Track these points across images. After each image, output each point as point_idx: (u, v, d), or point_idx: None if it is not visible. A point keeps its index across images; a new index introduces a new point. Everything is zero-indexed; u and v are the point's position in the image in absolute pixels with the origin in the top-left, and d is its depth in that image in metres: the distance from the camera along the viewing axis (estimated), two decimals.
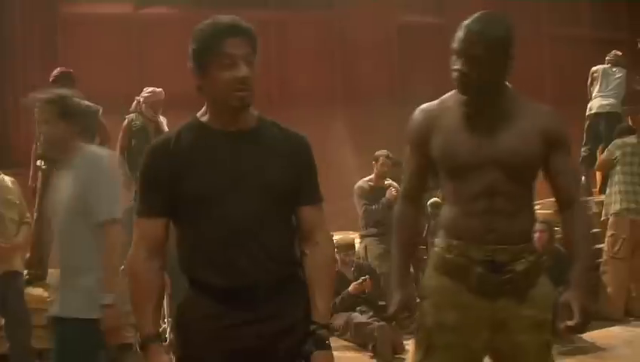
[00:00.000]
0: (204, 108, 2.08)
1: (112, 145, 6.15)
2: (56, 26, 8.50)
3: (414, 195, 2.50)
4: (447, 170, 2.35)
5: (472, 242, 2.26)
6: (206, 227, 1.98)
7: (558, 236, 6.02)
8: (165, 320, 4.73)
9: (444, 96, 2.38)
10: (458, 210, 2.32)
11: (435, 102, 2.41)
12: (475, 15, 2.27)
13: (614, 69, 7.95)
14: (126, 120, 6.28)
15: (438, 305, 2.33)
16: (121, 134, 6.24)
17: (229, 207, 1.96)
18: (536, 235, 5.61)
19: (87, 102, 5.89)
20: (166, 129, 6.05)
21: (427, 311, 2.37)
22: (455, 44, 2.25)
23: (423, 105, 2.44)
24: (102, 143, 6.02)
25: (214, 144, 2.02)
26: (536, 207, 7.85)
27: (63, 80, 5.73)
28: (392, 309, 2.42)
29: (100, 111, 5.93)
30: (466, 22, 2.25)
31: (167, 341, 4.69)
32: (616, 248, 6.03)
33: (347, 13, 9.65)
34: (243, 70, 1.94)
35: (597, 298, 2.30)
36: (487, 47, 2.19)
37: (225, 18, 2.01)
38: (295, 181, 2.07)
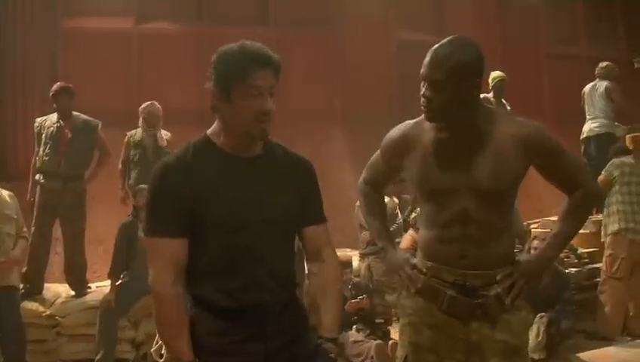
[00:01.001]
0: (215, 127, 2.08)
1: (111, 160, 6.16)
2: (57, 40, 8.52)
3: (375, 185, 2.62)
4: (422, 193, 2.37)
5: (445, 265, 2.28)
6: (216, 252, 1.99)
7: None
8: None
9: (421, 117, 2.35)
10: (433, 234, 2.33)
11: (412, 122, 2.41)
12: (446, 39, 2.24)
13: (597, 85, 7.98)
14: (127, 135, 6.29)
15: (413, 325, 2.35)
16: (123, 148, 6.26)
17: (241, 234, 1.98)
18: (535, 252, 5.62)
19: (86, 117, 5.92)
20: (164, 144, 6.03)
21: (404, 330, 2.41)
22: (422, 69, 2.23)
23: (401, 125, 2.44)
24: (101, 158, 6.04)
25: (230, 171, 2.03)
26: (533, 226, 7.91)
27: (63, 94, 5.76)
28: (406, 269, 2.40)
29: (100, 126, 5.95)
30: (436, 45, 2.23)
31: (163, 358, 4.63)
32: (614, 268, 6.01)
33: (346, 31, 9.69)
34: (268, 103, 1.97)
35: (540, 281, 2.29)
36: (449, 71, 2.15)
37: (255, 47, 1.98)
38: (301, 207, 2.10)
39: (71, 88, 5.82)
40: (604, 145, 7.46)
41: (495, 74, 7.43)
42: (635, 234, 5.97)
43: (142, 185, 5.59)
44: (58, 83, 5.93)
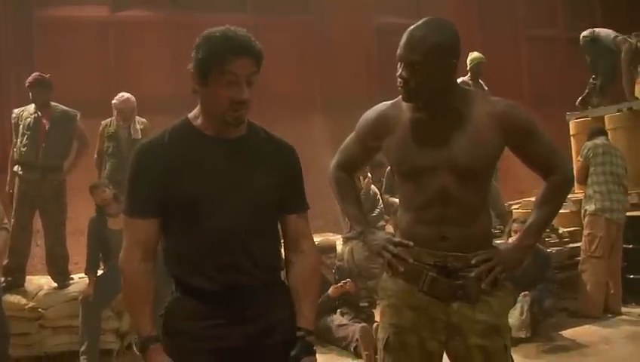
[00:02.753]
0: (196, 111, 2.07)
1: (90, 150, 6.10)
2: (32, 29, 8.42)
3: (348, 169, 2.57)
4: (402, 173, 2.36)
5: (425, 247, 2.28)
6: (194, 234, 1.99)
7: None
8: None
9: (398, 98, 2.34)
10: (412, 216, 2.34)
11: (389, 103, 2.40)
12: (421, 20, 2.24)
13: None
14: (101, 125, 6.20)
15: (394, 306, 2.35)
16: (98, 139, 6.17)
17: (218, 215, 1.97)
18: (516, 235, 5.67)
19: (65, 108, 5.85)
20: (138, 136, 5.94)
21: (385, 312, 2.40)
22: (398, 50, 2.23)
23: (377, 106, 2.43)
24: (80, 148, 5.98)
25: (207, 151, 2.02)
26: (514, 206, 8.00)
27: (37, 86, 5.68)
28: (389, 248, 2.36)
29: (79, 116, 5.89)
30: (411, 27, 2.22)
31: None
32: (593, 247, 6.12)
33: (324, 16, 9.66)
34: (244, 92, 1.94)
35: (518, 269, 2.31)
36: (425, 53, 2.15)
37: (236, 34, 1.96)
38: (282, 191, 2.09)
39: (46, 79, 5.73)
40: None
41: (473, 55, 7.46)
42: (611, 214, 6.08)
43: (96, 182, 5.59)
44: (34, 74, 5.83)
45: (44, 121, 5.67)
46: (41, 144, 5.61)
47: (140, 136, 5.90)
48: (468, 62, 7.37)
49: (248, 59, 1.95)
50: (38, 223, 5.88)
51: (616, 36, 7.70)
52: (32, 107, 5.73)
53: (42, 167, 5.62)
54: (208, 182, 1.99)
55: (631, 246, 6.45)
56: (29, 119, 5.66)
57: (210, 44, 1.95)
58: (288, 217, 2.14)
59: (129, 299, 2.06)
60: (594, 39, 7.90)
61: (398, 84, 2.24)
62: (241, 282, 1.99)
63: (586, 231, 6.23)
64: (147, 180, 1.99)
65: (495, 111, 2.25)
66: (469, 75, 7.40)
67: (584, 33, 8.05)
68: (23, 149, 5.62)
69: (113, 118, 6.12)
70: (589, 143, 6.32)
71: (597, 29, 8.06)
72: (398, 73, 2.23)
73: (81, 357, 5.08)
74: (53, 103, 5.78)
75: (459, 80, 7.13)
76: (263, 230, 2.06)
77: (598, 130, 6.57)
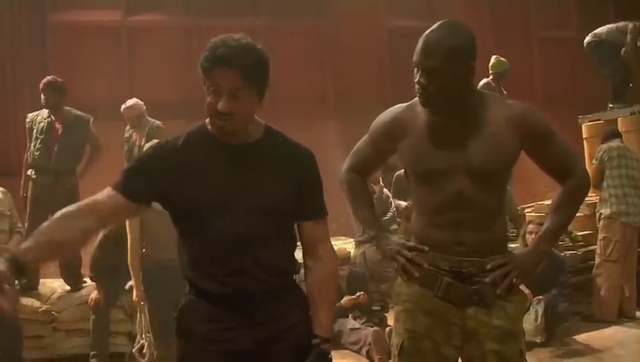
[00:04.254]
0: None
1: (102, 154, 6.13)
2: (46, 33, 8.48)
3: (361, 172, 2.54)
4: (417, 176, 2.34)
5: (440, 252, 2.26)
6: (203, 240, 2.00)
7: None
8: (143, 335, 4.64)
9: (413, 101, 2.32)
10: (426, 220, 2.32)
11: (403, 105, 2.38)
12: (436, 24, 2.20)
13: None
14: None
15: (409, 311, 2.33)
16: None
17: (225, 221, 1.97)
18: (532, 237, 5.63)
19: (78, 112, 5.89)
20: (142, 142, 6.08)
21: (399, 317, 2.38)
22: (414, 56, 2.20)
23: (391, 108, 2.41)
24: (93, 153, 6.01)
25: (214, 156, 2.02)
26: (528, 210, 7.94)
27: (49, 89, 5.72)
28: (404, 253, 2.32)
29: (91, 121, 5.93)
30: (427, 32, 2.19)
31: (147, 356, 4.63)
32: (608, 251, 6.07)
33: (336, 20, 9.67)
34: (222, 104, 1.90)
35: (533, 274, 2.28)
36: (443, 58, 2.12)
37: (227, 45, 1.92)
38: (296, 196, 2.07)
39: (58, 82, 5.77)
40: None
41: (498, 60, 7.44)
42: (627, 217, 6.03)
43: None
44: (47, 77, 5.88)
45: (57, 125, 5.71)
46: (53, 148, 5.65)
47: (143, 142, 6.03)
48: (491, 66, 7.36)
49: (232, 73, 1.89)
50: None
51: (618, 25, 7.64)
52: (45, 112, 5.78)
53: (55, 171, 5.65)
54: (214, 188, 1.99)
55: None
56: (42, 123, 5.70)
57: (207, 51, 1.95)
58: (304, 224, 2.13)
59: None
60: (598, 43, 7.81)
61: (417, 90, 2.21)
62: (250, 286, 1.99)
63: (601, 235, 6.17)
64: (147, 169, 2.02)
65: (512, 114, 2.23)
66: (491, 77, 7.40)
67: (587, 40, 7.95)
68: (36, 153, 5.65)
69: None
70: (604, 146, 6.27)
71: (597, 30, 7.88)
72: (416, 80, 2.19)
73: (91, 360, 5.11)
74: (66, 108, 5.82)
75: (482, 81, 7.14)
76: (272, 236, 2.03)
77: (612, 133, 6.51)
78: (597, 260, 6.19)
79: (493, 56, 7.43)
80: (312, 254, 2.15)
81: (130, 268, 4.55)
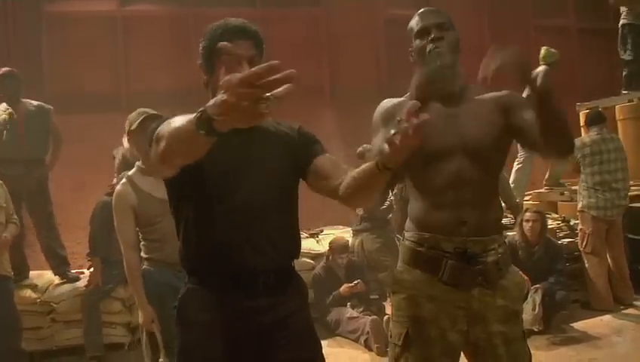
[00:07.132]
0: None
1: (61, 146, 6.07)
2: (40, 23, 8.43)
3: None
4: (416, 160, 2.30)
5: (443, 235, 2.26)
6: (213, 213, 1.99)
7: (549, 226, 6.10)
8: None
9: (403, 97, 2.39)
10: (427, 203, 2.32)
11: (394, 100, 2.42)
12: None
13: None
14: None
15: (412, 298, 2.31)
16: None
17: (236, 195, 1.99)
18: (529, 224, 5.65)
19: (37, 103, 5.84)
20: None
21: (401, 306, 2.35)
22: (416, 27, 2.36)
23: (384, 101, 2.45)
24: (56, 144, 5.96)
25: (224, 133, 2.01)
26: (526, 198, 7.93)
27: (8, 79, 5.67)
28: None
29: (52, 111, 5.88)
30: (419, 11, 2.40)
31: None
32: (584, 243, 6.26)
33: (333, 9, 9.63)
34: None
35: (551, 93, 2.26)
36: (447, 17, 2.35)
37: (235, 21, 2.04)
38: (296, 167, 2.09)
39: (16, 73, 5.73)
40: None
41: (549, 50, 6.92)
42: (597, 211, 6.13)
43: None
44: (4, 68, 5.79)
45: (19, 116, 5.66)
46: (20, 138, 5.60)
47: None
48: (542, 57, 6.83)
49: (248, 41, 2.00)
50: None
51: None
52: (3, 105, 5.72)
53: (25, 160, 5.62)
54: (225, 161, 1.98)
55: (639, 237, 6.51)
56: (3, 115, 5.64)
57: (211, 32, 2.03)
58: (315, 161, 2.08)
59: None
60: (633, 27, 7.79)
61: (431, 48, 2.28)
62: (256, 264, 1.99)
63: (579, 228, 6.39)
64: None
65: (497, 95, 2.36)
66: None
67: (623, 21, 7.97)
68: (1, 146, 5.59)
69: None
70: (578, 142, 6.21)
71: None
72: (431, 38, 2.30)
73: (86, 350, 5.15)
74: (24, 100, 5.78)
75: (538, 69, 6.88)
76: (280, 211, 2.05)
77: (595, 117, 6.43)
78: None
79: (543, 48, 6.96)
80: (336, 174, 2.01)
81: (127, 274, 3.55)
